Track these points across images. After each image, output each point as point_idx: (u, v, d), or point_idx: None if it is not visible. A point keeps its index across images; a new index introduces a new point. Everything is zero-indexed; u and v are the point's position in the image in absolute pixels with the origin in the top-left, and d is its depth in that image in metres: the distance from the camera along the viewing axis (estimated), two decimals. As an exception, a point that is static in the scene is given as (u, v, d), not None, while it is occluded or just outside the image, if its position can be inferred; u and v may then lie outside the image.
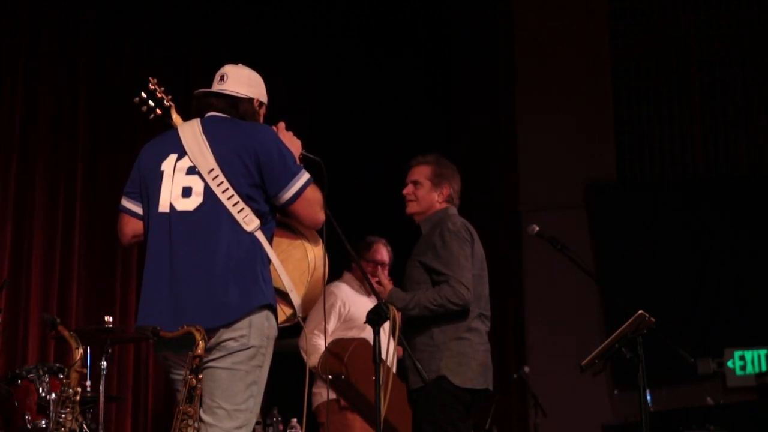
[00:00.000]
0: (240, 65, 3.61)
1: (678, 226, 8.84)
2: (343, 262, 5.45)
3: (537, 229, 4.73)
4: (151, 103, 3.73)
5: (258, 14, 7.92)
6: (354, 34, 8.75)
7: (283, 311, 3.45)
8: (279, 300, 3.41)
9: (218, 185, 3.32)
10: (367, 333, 4.87)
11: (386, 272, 5.08)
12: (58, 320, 3.40)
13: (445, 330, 4.26)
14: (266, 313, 3.31)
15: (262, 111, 3.60)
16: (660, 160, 9.28)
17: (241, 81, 3.53)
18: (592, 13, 9.45)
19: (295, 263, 3.47)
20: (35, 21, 6.45)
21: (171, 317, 3.25)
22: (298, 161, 3.49)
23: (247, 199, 3.33)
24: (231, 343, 3.25)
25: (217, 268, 3.26)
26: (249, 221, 3.32)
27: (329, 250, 3.58)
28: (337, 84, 8.48)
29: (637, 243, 8.83)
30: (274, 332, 3.36)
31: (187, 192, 3.35)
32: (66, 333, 3.40)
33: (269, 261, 3.37)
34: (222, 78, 3.54)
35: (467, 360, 4.23)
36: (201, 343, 3.15)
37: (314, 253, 3.49)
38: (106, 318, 5.28)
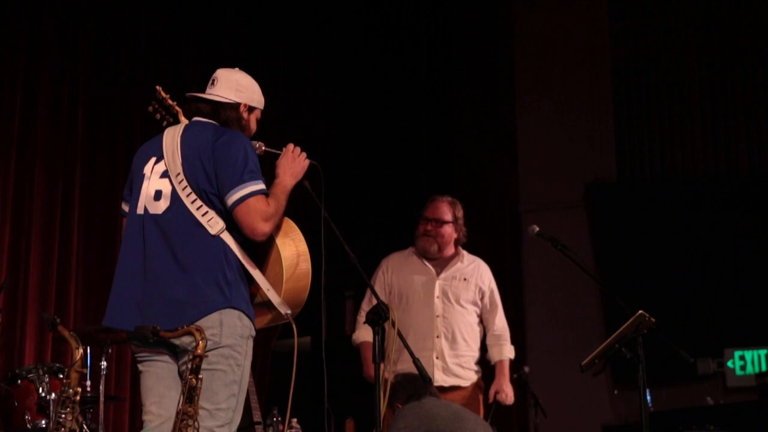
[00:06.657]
0: (234, 69, 3.63)
1: (678, 226, 8.82)
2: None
3: (537, 229, 4.74)
4: (162, 111, 3.83)
5: (258, 14, 7.92)
6: (354, 34, 8.75)
7: (268, 313, 3.46)
8: (260, 306, 3.42)
9: (183, 189, 3.37)
10: (409, 307, 4.99)
11: (444, 228, 5.21)
12: (58, 320, 3.41)
13: None
14: (238, 313, 3.33)
15: (254, 115, 3.61)
16: (660, 160, 9.27)
17: (229, 86, 3.55)
18: (592, 13, 9.44)
19: (272, 263, 3.46)
20: (34, 19, 6.45)
21: (137, 317, 3.31)
22: (293, 179, 3.49)
23: (210, 203, 3.36)
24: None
25: (181, 271, 3.30)
26: (213, 224, 3.34)
27: (330, 251, 3.58)
28: (337, 84, 8.47)
29: (637, 243, 8.81)
30: (249, 332, 3.37)
31: (158, 195, 3.41)
32: (66, 333, 3.41)
33: (239, 264, 3.37)
34: (213, 82, 3.58)
35: None
36: (201, 343, 3.17)
37: (292, 250, 3.48)
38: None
